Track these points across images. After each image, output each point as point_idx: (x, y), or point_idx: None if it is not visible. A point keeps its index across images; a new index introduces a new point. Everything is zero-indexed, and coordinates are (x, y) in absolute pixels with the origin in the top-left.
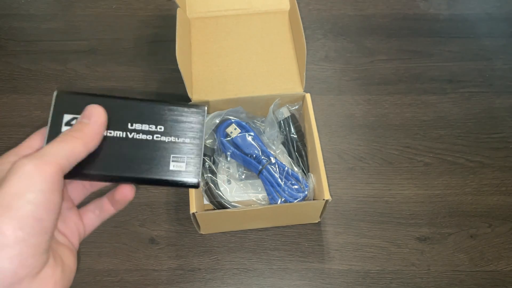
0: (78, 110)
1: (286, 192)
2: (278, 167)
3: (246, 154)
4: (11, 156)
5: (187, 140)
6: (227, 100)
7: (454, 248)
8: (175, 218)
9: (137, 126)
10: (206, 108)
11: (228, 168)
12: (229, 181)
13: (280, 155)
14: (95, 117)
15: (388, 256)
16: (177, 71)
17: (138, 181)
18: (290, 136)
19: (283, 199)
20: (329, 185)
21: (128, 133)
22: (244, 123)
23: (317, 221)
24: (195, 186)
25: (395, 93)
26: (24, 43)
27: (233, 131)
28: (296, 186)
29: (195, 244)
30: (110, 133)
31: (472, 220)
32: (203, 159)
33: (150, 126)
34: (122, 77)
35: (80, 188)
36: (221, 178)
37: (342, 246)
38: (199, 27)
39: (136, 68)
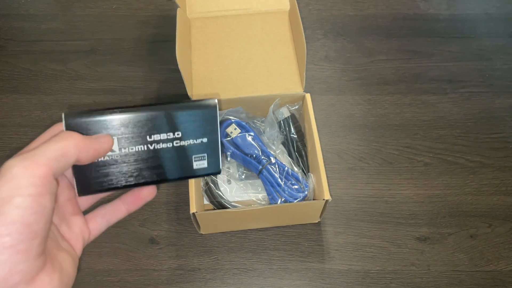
0: (88, 132)
1: (286, 192)
2: (278, 167)
3: (246, 154)
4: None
5: (205, 140)
6: (227, 100)
7: (454, 248)
8: (175, 218)
9: (156, 137)
10: (216, 101)
11: (228, 168)
12: (229, 181)
13: (280, 155)
14: (102, 139)
15: (388, 256)
16: (177, 71)
17: (163, 182)
18: (290, 136)
19: (283, 199)
20: (329, 185)
21: (149, 145)
22: (244, 123)
23: (317, 221)
24: (218, 173)
25: (395, 93)
26: (24, 43)
27: (233, 131)
28: (296, 186)
29: (195, 244)
30: (132, 148)
31: (472, 220)
32: None
33: (168, 134)
34: (122, 77)
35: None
36: (221, 178)
37: (342, 246)
38: (199, 27)
39: (136, 68)
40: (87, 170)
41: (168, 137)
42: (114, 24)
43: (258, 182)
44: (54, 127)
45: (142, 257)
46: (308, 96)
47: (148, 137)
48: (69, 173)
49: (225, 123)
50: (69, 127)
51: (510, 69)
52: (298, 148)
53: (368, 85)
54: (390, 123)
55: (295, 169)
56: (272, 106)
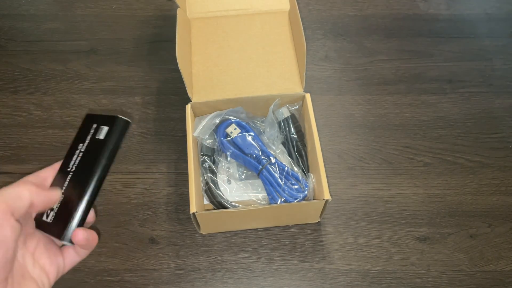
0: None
1: (286, 192)
2: (278, 167)
3: (246, 154)
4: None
5: (94, 125)
6: (227, 100)
7: (454, 248)
8: (175, 218)
9: (71, 164)
10: (88, 113)
11: (228, 168)
12: (229, 181)
13: (280, 155)
14: (53, 191)
15: (388, 256)
16: (177, 71)
17: (103, 171)
18: (290, 136)
19: (283, 199)
20: (329, 185)
21: (70, 172)
22: (244, 123)
23: (317, 221)
24: (123, 119)
25: (395, 93)
26: (24, 43)
27: (233, 131)
28: (296, 186)
29: (195, 244)
30: (64, 187)
31: (472, 220)
32: (204, 159)
33: (74, 155)
34: (122, 77)
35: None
36: (221, 178)
37: (342, 246)
38: (199, 27)
39: (136, 68)
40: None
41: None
42: (114, 24)
43: (258, 182)
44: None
45: (142, 257)
46: (308, 96)
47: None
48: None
49: (225, 123)
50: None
51: (510, 69)
52: (298, 148)
53: (368, 85)
54: (390, 123)
55: (295, 169)
56: (272, 106)
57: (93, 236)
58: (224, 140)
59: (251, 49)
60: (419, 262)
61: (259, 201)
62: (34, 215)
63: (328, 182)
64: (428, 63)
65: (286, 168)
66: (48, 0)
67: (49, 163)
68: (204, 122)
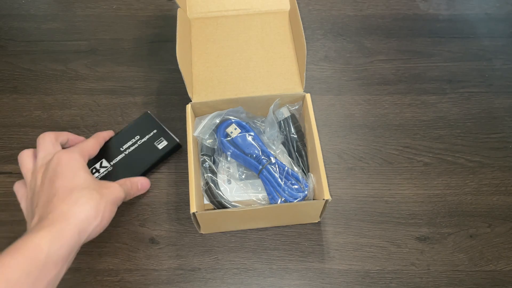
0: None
1: (286, 192)
2: (278, 167)
3: (246, 154)
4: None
5: (155, 131)
6: (227, 100)
7: (454, 248)
8: (175, 218)
9: (125, 145)
10: (148, 112)
11: (228, 168)
12: (229, 181)
13: (280, 155)
14: (138, 181)
15: (388, 256)
16: (177, 71)
17: (150, 169)
18: (290, 136)
19: (283, 199)
20: (329, 185)
21: (125, 151)
22: (244, 123)
23: (317, 221)
24: (179, 145)
25: (395, 93)
26: (25, 43)
27: (233, 131)
28: (296, 186)
29: (195, 244)
30: (116, 159)
31: (472, 220)
32: (204, 158)
33: (131, 140)
34: (122, 77)
35: None
36: (221, 178)
37: (342, 246)
38: (199, 27)
39: (136, 68)
40: None
41: (133, 141)
42: (114, 24)
43: (258, 182)
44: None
45: (142, 257)
46: (308, 96)
47: (121, 148)
48: None
49: (225, 123)
50: None
51: (510, 69)
52: (298, 148)
53: (368, 85)
54: (390, 123)
55: (295, 169)
56: (272, 106)
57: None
58: (224, 140)
59: (251, 49)
60: (419, 262)
61: (259, 201)
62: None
63: (328, 182)
64: (428, 63)
65: (286, 168)
66: (48, 0)
67: None
68: (204, 122)
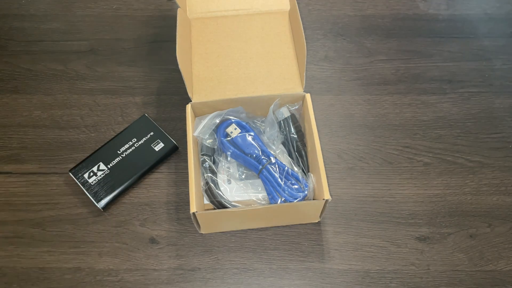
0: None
1: (286, 192)
2: (278, 167)
3: (246, 154)
4: None
5: (152, 133)
6: (227, 100)
7: (454, 248)
8: (175, 218)
9: (122, 148)
10: (145, 115)
11: (228, 168)
12: (229, 181)
13: (280, 155)
14: None
15: (387, 256)
16: (177, 71)
17: (147, 171)
18: (290, 136)
19: (283, 199)
20: (329, 185)
21: (122, 154)
22: (244, 123)
23: (317, 221)
24: (177, 146)
25: (395, 93)
26: (25, 43)
27: (233, 131)
28: (296, 186)
29: (195, 243)
30: (113, 162)
31: (472, 220)
32: (204, 158)
33: (128, 142)
34: (122, 77)
35: None
36: (221, 178)
37: (342, 246)
38: (199, 27)
39: (136, 68)
40: None
41: (129, 144)
42: (114, 24)
43: (258, 182)
44: None
45: (142, 257)
46: (308, 96)
47: (118, 151)
48: None
49: (225, 123)
50: None
51: (510, 69)
52: (298, 148)
53: (368, 85)
54: (390, 123)
55: (295, 169)
56: (272, 106)
57: None
58: (224, 140)
59: (251, 49)
60: (419, 262)
61: (259, 201)
62: None
63: (328, 182)
64: (428, 63)
65: (286, 168)
66: (48, 0)
67: (49, 163)
68: (204, 122)
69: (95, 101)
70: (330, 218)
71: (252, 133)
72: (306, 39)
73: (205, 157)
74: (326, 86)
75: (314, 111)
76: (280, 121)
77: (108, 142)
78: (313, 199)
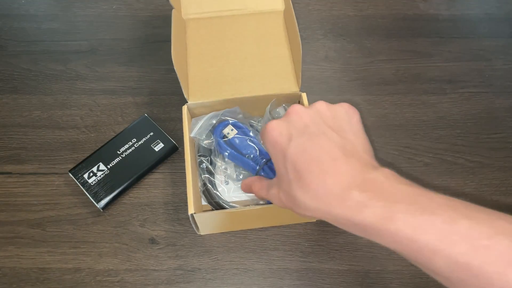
0: None
1: None
2: None
3: (244, 155)
4: None
5: (152, 133)
6: (223, 100)
7: None
8: (175, 218)
9: (122, 148)
10: (145, 115)
11: (226, 168)
12: (227, 182)
13: None
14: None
15: (388, 256)
16: None
17: (147, 171)
18: None
19: None
20: None
21: (122, 155)
22: (241, 124)
23: (315, 220)
24: (177, 147)
25: (395, 93)
26: (25, 43)
27: (230, 132)
28: None
29: (195, 244)
30: (113, 163)
31: None
32: (201, 159)
33: (128, 143)
34: (122, 77)
35: None
36: (218, 179)
37: (342, 246)
38: (194, 28)
39: (136, 68)
40: None
41: (129, 144)
42: (114, 24)
43: None
44: None
45: (142, 257)
46: (304, 95)
47: (117, 151)
48: None
49: (221, 124)
50: None
51: (510, 69)
52: None
53: (368, 85)
54: (390, 123)
55: None
56: (269, 106)
57: None
58: (221, 141)
59: (246, 49)
60: None
61: (257, 202)
62: None
63: None
64: (428, 63)
65: None
66: (48, 0)
67: (49, 163)
68: (201, 123)
69: (95, 101)
70: None
71: (249, 134)
72: (306, 39)
73: (202, 158)
74: (326, 87)
75: None
76: None
77: (108, 142)
78: None
